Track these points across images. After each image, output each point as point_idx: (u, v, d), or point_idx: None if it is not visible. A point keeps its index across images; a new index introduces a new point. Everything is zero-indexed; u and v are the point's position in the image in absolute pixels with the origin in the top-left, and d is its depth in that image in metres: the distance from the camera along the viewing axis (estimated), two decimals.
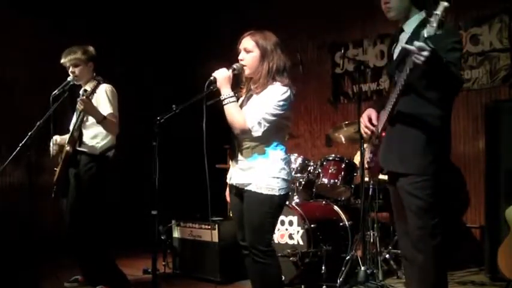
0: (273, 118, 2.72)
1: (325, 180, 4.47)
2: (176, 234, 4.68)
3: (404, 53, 2.50)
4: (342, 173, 4.45)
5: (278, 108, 2.72)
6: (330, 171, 4.47)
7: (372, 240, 4.19)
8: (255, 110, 2.75)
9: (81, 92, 3.72)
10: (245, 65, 2.81)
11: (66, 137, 3.82)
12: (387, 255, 4.28)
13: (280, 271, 2.88)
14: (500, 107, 4.22)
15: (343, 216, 4.37)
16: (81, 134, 3.70)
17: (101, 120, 3.59)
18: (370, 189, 4.23)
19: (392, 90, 2.67)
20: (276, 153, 2.79)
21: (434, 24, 2.24)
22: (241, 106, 2.84)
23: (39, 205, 3.94)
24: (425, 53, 2.27)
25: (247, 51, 2.80)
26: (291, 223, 4.15)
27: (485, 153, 4.29)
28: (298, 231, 4.09)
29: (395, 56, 2.77)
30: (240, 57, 2.83)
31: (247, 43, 2.80)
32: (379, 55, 5.57)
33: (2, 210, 5.13)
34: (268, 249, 2.79)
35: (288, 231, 4.15)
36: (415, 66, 2.37)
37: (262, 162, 2.76)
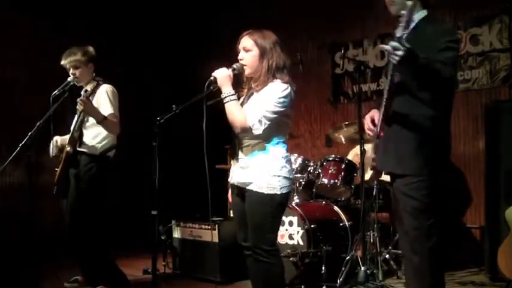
0: (274, 116, 2.72)
1: (325, 181, 4.47)
2: (176, 234, 4.68)
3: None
4: (342, 173, 4.44)
5: (279, 105, 2.72)
6: (330, 171, 4.47)
7: (372, 240, 4.20)
8: (255, 107, 2.74)
9: (82, 92, 3.71)
10: (245, 64, 2.80)
11: (67, 137, 3.82)
12: (387, 256, 4.27)
13: (283, 271, 2.87)
14: (500, 107, 4.22)
15: (343, 216, 4.37)
16: (81, 135, 3.70)
17: (101, 120, 3.59)
18: (375, 189, 4.23)
19: (384, 90, 2.68)
20: (276, 150, 2.78)
21: (402, 24, 2.25)
22: (242, 105, 2.84)
23: (39, 205, 3.95)
24: (400, 53, 2.26)
25: (247, 51, 2.80)
26: (291, 223, 4.15)
27: (485, 154, 4.29)
28: (298, 232, 4.09)
29: None
30: (239, 56, 2.83)
31: (246, 42, 2.81)
32: (379, 55, 5.56)
33: (2, 210, 5.13)
34: (272, 248, 2.78)
35: (288, 232, 4.15)
36: (394, 67, 2.37)
37: (262, 157, 2.75)
